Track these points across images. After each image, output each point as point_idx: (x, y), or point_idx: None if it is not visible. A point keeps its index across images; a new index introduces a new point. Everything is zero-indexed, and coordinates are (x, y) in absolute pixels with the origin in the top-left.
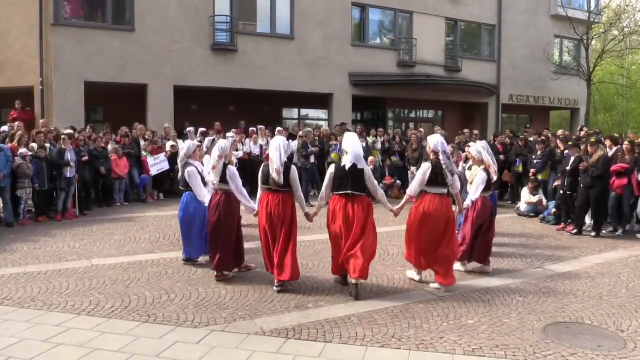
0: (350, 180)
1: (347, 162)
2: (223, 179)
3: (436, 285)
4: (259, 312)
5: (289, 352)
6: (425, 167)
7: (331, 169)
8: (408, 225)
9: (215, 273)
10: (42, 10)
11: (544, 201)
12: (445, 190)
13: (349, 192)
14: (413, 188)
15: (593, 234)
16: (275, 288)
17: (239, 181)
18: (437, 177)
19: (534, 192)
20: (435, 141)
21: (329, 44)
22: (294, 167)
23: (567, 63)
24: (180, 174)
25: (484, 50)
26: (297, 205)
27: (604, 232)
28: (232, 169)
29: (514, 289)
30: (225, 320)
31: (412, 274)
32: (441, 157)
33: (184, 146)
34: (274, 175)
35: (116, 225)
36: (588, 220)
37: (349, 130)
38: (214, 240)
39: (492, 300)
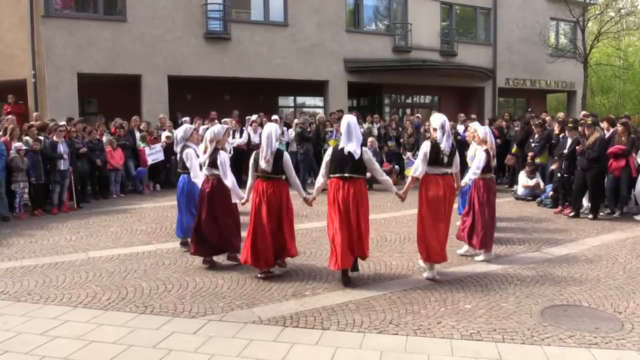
0: (349, 163)
1: (344, 144)
2: (213, 163)
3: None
4: (256, 300)
5: (287, 340)
6: (426, 146)
7: (328, 152)
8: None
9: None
10: (32, 2)
11: (541, 184)
12: (449, 170)
13: (345, 174)
14: (417, 169)
15: (590, 216)
16: (258, 275)
17: (228, 168)
18: (438, 157)
19: (531, 175)
20: (439, 119)
21: (324, 30)
22: (286, 154)
23: (563, 45)
24: (178, 157)
25: (479, 34)
26: (296, 193)
27: (601, 214)
28: (224, 155)
29: (512, 272)
30: (222, 310)
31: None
32: (438, 134)
33: (180, 129)
34: (261, 163)
35: (112, 217)
36: (585, 202)
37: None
38: (206, 225)
39: (489, 285)
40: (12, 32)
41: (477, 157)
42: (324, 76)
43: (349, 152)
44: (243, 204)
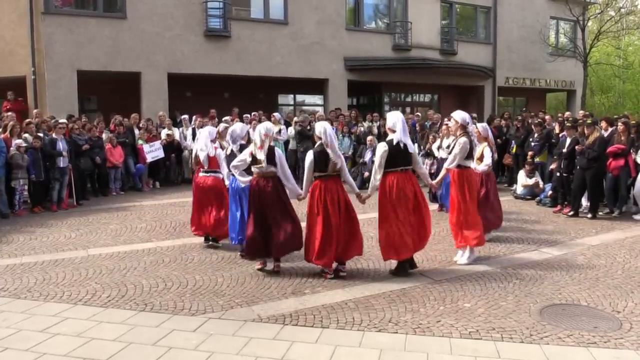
0: (403, 156)
1: (396, 138)
2: (271, 160)
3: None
4: (255, 298)
5: (286, 338)
6: (463, 141)
7: (383, 147)
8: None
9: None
10: None
11: (541, 184)
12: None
13: (402, 167)
14: (452, 161)
15: (589, 215)
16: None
17: (286, 164)
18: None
19: (530, 174)
20: (463, 116)
21: (324, 28)
22: (278, 150)
23: (563, 44)
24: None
25: (479, 33)
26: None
27: (600, 213)
28: (279, 151)
29: (510, 271)
30: (222, 308)
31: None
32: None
33: (236, 127)
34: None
35: (112, 214)
36: (584, 202)
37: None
38: (264, 226)
39: (488, 283)
40: (11, 29)
41: (486, 154)
42: (324, 74)
43: (405, 146)
44: (300, 200)
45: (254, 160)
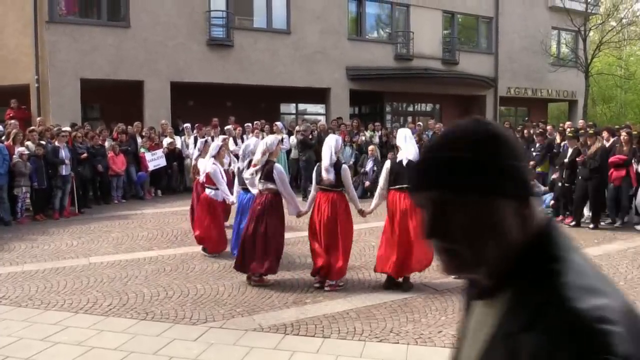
0: (407, 175)
1: (402, 157)
2: (268, 176)
3: None
4: (257, 308)
5: (287, 347)
6: None
7: (387, 165)
8: None
9: (252, 277)
10: (36, 8)
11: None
12: None
13: (404, 185)
14: None
15: (591, 225)
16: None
17: (287, 180)
18: None
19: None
20: None
21: (326, 38)
22: (277, 167)
23: (564, 55)
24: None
25: (481, 43)
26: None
27: (602, 223)
28: (279, 167)
29: None
30: (223, 317)
31: None
32: None
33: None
34: (323, 174)
35: (114, 222)
36: (586, 212)
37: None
38: (260, 244)
39: None
40: (16, 38)
41: None
42: (326, 83)
43: (408, 164)
44: (299, 216)
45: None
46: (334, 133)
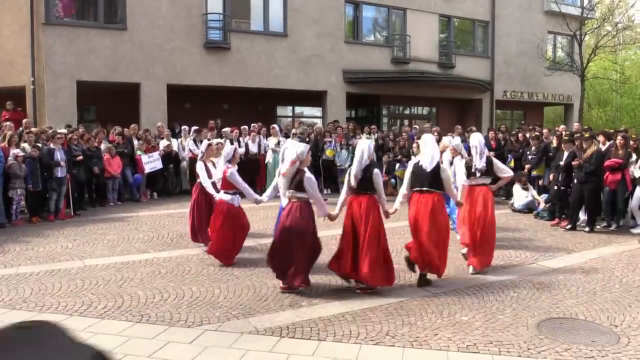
0: (428, 178)
1: (424, 161)
2: (299, 185)
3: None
4: (252, 310)
5: (283, 350)
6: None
7: (410, 167)
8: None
9: (282, 284)
10: (33, 10)
11: (537, 196)
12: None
13: (424, 188)
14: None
15: (587, 229)
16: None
17: (317, 188)
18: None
19: (524, 186)
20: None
21: (323, 41)
22: (308, 174)
23: (560, 59)
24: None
25: (477, 47)
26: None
27: (597, 227)
28: (309, 174)
29: (508, 284)
30: (218, 320)
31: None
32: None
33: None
34: (350, 179)
35: (109, 225)
36: (582, 215)
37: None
38: (286, 252)
39: (486, 297)
40: (12, 39)
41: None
42: (323, 86)
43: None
44: (332, 219)
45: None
46: (331, 136)
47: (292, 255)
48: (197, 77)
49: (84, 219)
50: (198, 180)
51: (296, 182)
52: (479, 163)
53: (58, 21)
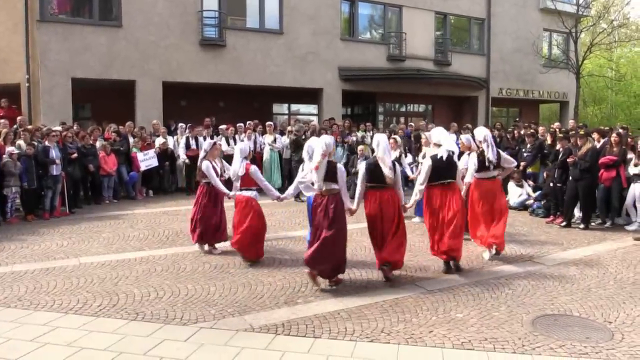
0: (447, 170)
1: (443, 153)
2: (333, 177)
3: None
4: (248, 308)
5: (278, 348)
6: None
7: (428, 162)
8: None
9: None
10: (27, 7)
11: (531, 193)
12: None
13: (446, 181)
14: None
15: (582, 226)
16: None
17: (344, 180)
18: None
19: (518, 183)
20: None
21: (318, 38)
22: (340, 167)
23: (556, 56)
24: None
25: (473, 44)
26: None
27: (592, 224)
28: (341, 166)
29: (503, 281)
30: (214, 317)
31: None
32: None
33: (324, 142)
34: (385, 171)
35: (104, 222)
36: (577, 212)
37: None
38: (326, 246)
39: (481, 294)
40: (6, 37)
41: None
42: (319, 84)
43: (448, 159)
44: (352, 214)
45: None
46: (327, 133)
47: (339, 249)
48: (192, 74)
49: (79, 217)
50: (203, 182)
51: (331, 174)
52: (492, 155)
53: (53, 18)
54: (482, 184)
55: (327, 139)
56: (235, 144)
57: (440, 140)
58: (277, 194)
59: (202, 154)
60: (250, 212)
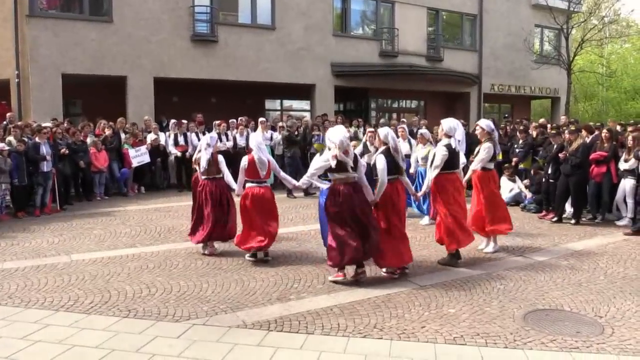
0: (457, 159)
1: (455, 143)
2: (355, 165)
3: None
4: (240, 304)
5: (271, 344)
6: (487, 146)
7: (444, 152)
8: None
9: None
10: (16, 1)
11: (523, 188)
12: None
13: (457, 170)
14: (477, 164)
15: (573, 221)
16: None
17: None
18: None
19: (511, 178)
20: (487, 123)
21: (311, 34)
22: (359, 156)
23: (547, 52)
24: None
25: (465, 40)
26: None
27: (583, 219)
28: (360, 158)
29: (495, 277)
30: (206, 314)
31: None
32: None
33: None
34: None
35: (96, 219)
36: (568, 207)
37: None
38: (358, 235)
39: (473, 289)
40: None
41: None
42: (311, 80)
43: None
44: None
45: (339, 167)
46: (319, 129)
47: (372, 230)
48: (184, 70)
49: (70, 214)
50: (203, 178)
51: (353, 162)
52: (497, 147)
53: (42, 13)
54: (489, 174)
55: (341, 130)
56: (227, 140)
57: (451, 130)
58: (294, 182)
59: (205, 148)
60: (252, 206)
